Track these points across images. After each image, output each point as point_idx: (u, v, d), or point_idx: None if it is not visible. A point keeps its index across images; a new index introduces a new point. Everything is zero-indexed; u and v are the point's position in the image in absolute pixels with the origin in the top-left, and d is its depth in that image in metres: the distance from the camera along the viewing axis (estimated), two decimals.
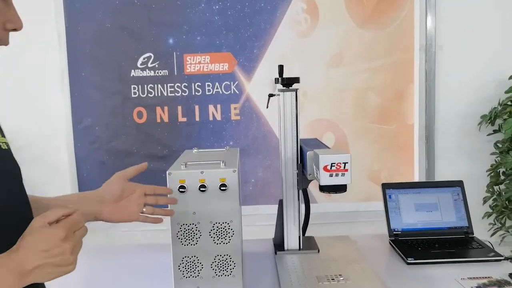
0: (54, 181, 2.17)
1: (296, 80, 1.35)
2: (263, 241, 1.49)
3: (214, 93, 2.17)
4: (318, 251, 1.36)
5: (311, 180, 1.33)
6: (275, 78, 1.37)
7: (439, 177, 2.13)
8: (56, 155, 2.18)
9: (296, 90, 1.33)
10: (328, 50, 2.13)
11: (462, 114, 2.15)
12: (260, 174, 2.19)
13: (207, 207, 1.07)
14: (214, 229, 1.08)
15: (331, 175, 1.10)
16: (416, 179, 2.14)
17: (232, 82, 2.16)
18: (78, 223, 0.76)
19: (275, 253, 1.36)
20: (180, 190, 1.06)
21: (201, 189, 1.06)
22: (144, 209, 1.04)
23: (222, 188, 1.06)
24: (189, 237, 1.08)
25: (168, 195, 1.06)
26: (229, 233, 1.08)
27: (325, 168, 1.09)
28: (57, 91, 2.14)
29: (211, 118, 2.18)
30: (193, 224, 1.08)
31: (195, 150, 1.34)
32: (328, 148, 1.28)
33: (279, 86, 1.37)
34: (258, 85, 2.15)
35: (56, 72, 2.14)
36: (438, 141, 2.15)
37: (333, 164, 1.09)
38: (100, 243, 2.06)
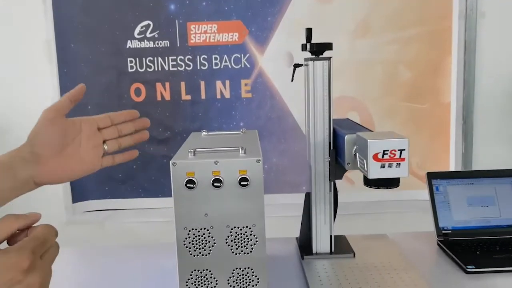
0: None
1: (328, 46, 1.09)
2: (285, 240, 1.25)
3: (222, 67, 1.91)
4: (354, 255, 1.12)
5: (346, 170, 1.09)
6: (302, 45, 1.11)
7: (477, 164, 1.89)
8: None
9: (329, 59, 1.07)
10: (353, 17, 1.87)
11: (506, 91, 1.89)
12: (275, 159, 1.95)
13: (222, 208, 0.83)
14: (232, 236, 0.84)
15: (382, 166, 0.85)
16: (451, 165, 1.89)
17: (242, 55, 1.91)
18: (46, 241, 0.52)
19: (302, 257, 1.12)
20: (188, 185, 0.81)
21: (215, 184, 0.82)
22: (105, 148, 0.82)
23: (242, 183, 0.81)
24: (199, 245, 0.84)
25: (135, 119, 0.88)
26: (251, 240, 0.84)
27: (375, 157, 0.85)
28: (43, 66, 1.89)
29: (218, 96, 1.93)
30: (204, 229, 0.84)
31: (204, 132, 1.09)
32: (370, 130, 1.03)
33: (306, 54, 1.11)
34: (273, 58, 1.89)
35: (42, 44, 1.88)
36: (478, 123, 1.90)
37: (385, 152, 0.84)
38: (95, 240, 1.86)
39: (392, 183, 0.88)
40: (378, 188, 0.89)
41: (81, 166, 0.78)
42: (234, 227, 0.84)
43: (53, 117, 0.75)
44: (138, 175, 1.97)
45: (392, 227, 1.87)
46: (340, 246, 1.16)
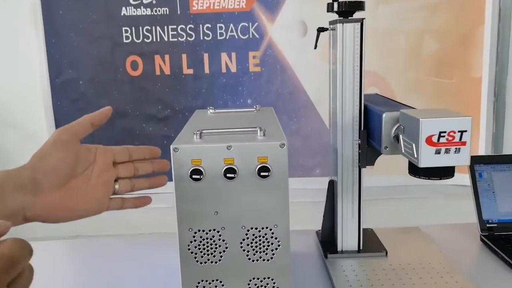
0: (31, 150, 1.76)
1: (360, 5, 0.91)
2: (302, 234, 1.09)
3: (227, 37, 1.73)
4: (386, 253, 0.96)
5: (379, 155, 0.92)
6: (328, 4, 0.92)
7: (509, 146, 1.71)
8: (31, 117, 1.77)
9: (361, 21, 0.89)
10: None
11: None
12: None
13: (237, 204, 0.67)
14: (248, 239, 0.67)
15: (437, 152, 0.68)
16: (481, 147, 1.72)
17: (250, 24, 1.73)
18: (16, 262, 0.37)
19: (325, 255, 0.96)
20: (193, 177, 0.64)
21: (228, 175, 0.65)
22: (116, 187, 0.65)
23: (262, 173, 0.64)
24: (208, 250, 0.68)
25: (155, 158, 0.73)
26: (271, 244, 0.67)
27: (429, 141, 0.67)
28: (28, 36, 1.71)
29: (224, 70, 1.75)
30: (214, 230, 0.67)
31: (210, 110, 0.92)
32: (411, 107, 0.86)
33: (333, 16, 0.93)
34: (284, 27, 1.71)
35: (26, 10, 1.69)
36: (511, 100, 1.72)
37: (442, 134, 0.67)
38: (87, 230, 1.70)
39: (447, 172, 0.71)
40: (429, 178, 0.73)
41: (86, 205, 0.61)
42: (251, 228, 0.67)
43: (68, 140, 0.60)
44: None
45: (415, 215, 1.73)
46: (369, 242, 1.00)
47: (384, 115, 0.81)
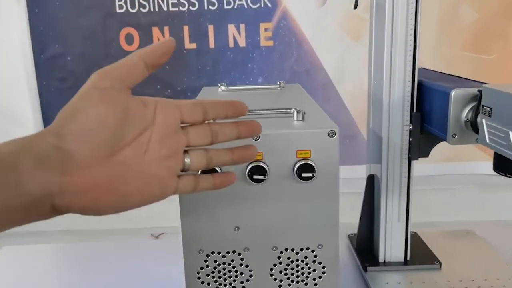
0: (15, 136, 1.57)
1: None
2: None
3: (236, 6, 1.53)
4: (440, 265, 0.77)
5: (436, 143, 0.73)
6: None
7: None
8: (14, 99, 1.58)
9: None
10: None
11: None
12: None
13: (266, 217, 0.48)
14: (281, 264, 0.49)
15: None
16: None
17: None
18: None
19: (363, 268, 0.77)
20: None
21: (255, 176, 0.46)
22: (186, 161, 0.41)
23: (303, 174, 0.45)
24: (225, 280, 0.49)
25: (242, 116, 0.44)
26: (314, 271, 0.49)
27: None
28: (7, 6, 1.51)
29: (231, 44, 1.56)
30: (234, 252, 0.48)
31: (222, 87, 0.73)
32: (483, 83, 0.66)
33: None
34: None
35: None
36: None
37: None
38: (76, 223, 1.53)
39: None
40: None
41: (142, 188, 0.39)
42: (286, 250, 0.48)
43: (109, 89, 0.38)
44: None
45: (445, 210, 1.55)
46: (417, 250, 0.81)
47: (453, 93, 0.62)
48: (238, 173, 0.45)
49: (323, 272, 0.48)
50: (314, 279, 0.48)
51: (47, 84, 1.56)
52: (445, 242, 0.86)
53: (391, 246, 0.78)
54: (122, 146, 0.37)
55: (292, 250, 0.48)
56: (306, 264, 0.48)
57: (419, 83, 0.72)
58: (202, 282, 0.48)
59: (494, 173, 1.52)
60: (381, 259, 0.78)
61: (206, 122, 0.41)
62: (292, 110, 0.49)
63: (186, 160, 0.40)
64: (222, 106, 0.42)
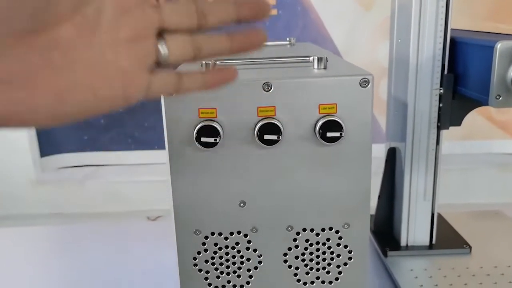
0: None
1: None
2: None
3: None
4: (470, 249, 0.68)
5: (470, 110, 0.64)
6: None
7: None
8: None
9: None
10: None
11: None
12: None
13: (280, 189, 0.38)
14: (297, 248, 0.39)
15: None
16: None
17: None
18: None
19: (383, 253, 0.68)
20: (203, 140, 0.35)
21: (266, 136, 0.36)
22: (162, 49, 0.28)
23: (328, 134, 0.35)
24: (227, 267, 0.39)
25: None
26: (338, 256, 0.39)
27: None
28: None
29: None
30: (240, 234, 0.39)
31: None
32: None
33: None
34: None
35: None
36: None
37: None
38: (70, 206, 1.44)
39: None
40: None
41: (94, 84, 0.26)
42: (304, 231, 0.39)
43: None
44: (126, 120, 1.50)
45: (462, 191, 1.46)
46: (443, 234, 0.72)
47: (498, 46, 0.51)
48: (246, 133, 0.36)
49: (349, 258, 0.39)
50: (338, 266, 0.39)
51: None
52: (473, 223, 0.77)
53: (414, 228, 0.69)
54: (56, 20, 0.24)
55: (312, 230, 0.38)
56: (329, 247, 0.39)
57: (452, 40, 0.61)
58: (200, 270, 0.39)
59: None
60: (402, 243, 0.69)
61: None
62: (311, 58, 0.39)
63: (161, 48, 0.28)
64: None
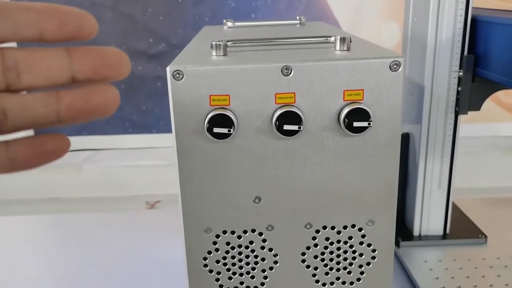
0: None
1: None
2: None
3: None
4: (486, 239, 0.66)
5: (491, 93, 0.60)
6: None
7: None
8: None
9: None
10: None
11: None
12: None
13: (299, 183, 0.34)
14: (317, 247, 0.36)
15: None
16: None
17: None
18: None
19: (395, 243, 0.65)
20: (215, 130, 0.32)
21: (286, 126, 0.32)
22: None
23: (355, 123, 0.32)
24: (241, 268, 0.36)
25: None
26: (361, 256, 0.36)
27: None
28: None
29: None
30: (254, 232, 0.36)
31: (228, 23, 0.59)
32: None
33: None
34: None
35: None
36: None
37: None
38: (67, 191, 1.40)
39: None
40: None
41: None
42: (324, 229, 0.35)
43: None
44: (123, 103, 1.47)
45: (467, 175, 1.43)
46: (457, 222, 0.69)
47: None
48: (262, 122, 0.32)
49: (373, 257, 0.36)
50: (361, 266, 0.36)
51: None
52: (487, 211, 0.75)
53: (428, 217, 0.66)
54: None
55: (333, 228, 0.35)
56: (351, 246, 0.35)
57: (473, 19, 0.58)
58: (211, 271, 0.36)
59: None
60: (415, 233, 0.66)
61: None
62: (333, 38, 0.35)
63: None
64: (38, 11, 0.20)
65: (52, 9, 0.20)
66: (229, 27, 0.58)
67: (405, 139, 0.67)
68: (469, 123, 1.44)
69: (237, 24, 0.58)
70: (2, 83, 0.20)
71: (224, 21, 0.59)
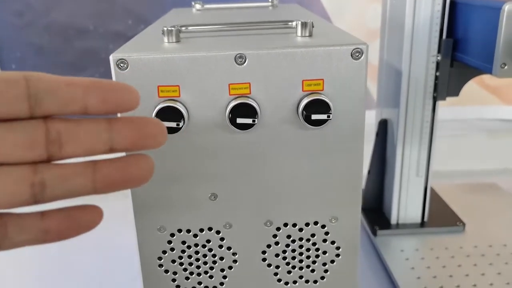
0: None
1: None
2: None
3: None
4: (464, 226, 0.64)
5: (469, 79, 0.58)
6: None
7: None
8: None
9: None
10: None
11: None
12: None
13: (257, 179, 0.32)
14: (278, 245, 0.34)
15: None
16: None
17: None
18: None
19: (372, 231, 0.64)
20: (165, 124, 0.29)
21: (239, 120, 0.30)
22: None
23: (314, 116, 0.30)
24: (198, 267, 0.34)
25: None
26: (324, 254, 0.34)
27: None
28: None
29: None
30: (211, 230, 0.33)
31: (197, 5, 0.56)
32: None
33: None
34: None
35: None
36: None
37: None
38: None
39: None
40: None
41: None
42: (285, 226, 0.33)
43: None
44: None
45: (452, 158, 1.42)
46: (435, 209, 0.68)
47: (506, 7, 0.45)
48: (216, 115, 0.30)
49: (337, 255, 0.34)
50: (325, 264, 0.34)
51: (1, 21, 1.34)
52: (466, 198, 0.74)
53: (406, 205, 0.65)
54: None
55: (294, 225, 0.33)
56: (314, 244, 0.34)
57: (452, 1, 0.55)
58: (166, 271, 0.34)
59: (503, 118, 1.36)
60: (393, 221, 0.65)
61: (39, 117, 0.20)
62: (294, 23, 0.32)
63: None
64: (88, 88, 0.20)
65: (97, 85, 0.20)
66: (198, 10, 0.55)
67: (383, 125, 0.65)
68: (454, 105, 1.42)
69: (206, 6, 0.55)
70: (44, 155, 0.20)
71: (193, 3, 0.56)
